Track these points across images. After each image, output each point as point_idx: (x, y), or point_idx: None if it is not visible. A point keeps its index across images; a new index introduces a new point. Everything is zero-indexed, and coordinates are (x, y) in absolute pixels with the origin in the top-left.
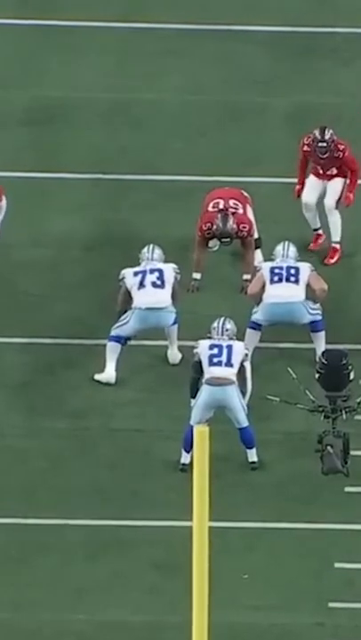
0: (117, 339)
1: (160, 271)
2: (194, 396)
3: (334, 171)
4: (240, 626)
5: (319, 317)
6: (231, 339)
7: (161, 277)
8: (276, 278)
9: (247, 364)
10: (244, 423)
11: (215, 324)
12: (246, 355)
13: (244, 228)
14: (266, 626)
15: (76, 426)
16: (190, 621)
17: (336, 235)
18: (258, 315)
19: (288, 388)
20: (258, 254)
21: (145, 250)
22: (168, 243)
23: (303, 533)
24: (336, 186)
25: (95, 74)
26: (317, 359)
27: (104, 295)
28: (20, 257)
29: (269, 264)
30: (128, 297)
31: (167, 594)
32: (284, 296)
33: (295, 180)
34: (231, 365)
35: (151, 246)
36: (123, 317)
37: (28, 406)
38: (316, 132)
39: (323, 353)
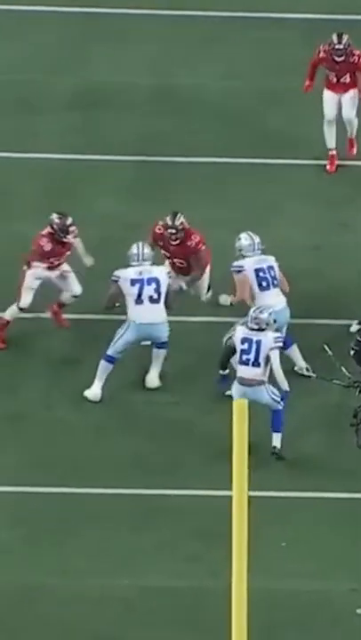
0: (112, 359)
1: (157, 282)
2: (224, 368)
3: (347, 79)
4: (277, 592)
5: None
6: (262, 330)
7: (158, 289)
8: (264, 284)
9: (272, 354)
10: (277, 407)
11: (251, 313)
12: (276, 344)
13: (195, 237)
14: (302, 592)
15: (120, 398)
16: (230, 587)
17: (353, 132)
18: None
19: (324, 364)
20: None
21: (135, 250)
22: (205, 223)
23: (340, 503)
24: (351, 97)
25: (139, 60)
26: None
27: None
28: None
29: (251, 264)
30: (119, 296)
31: (209, 561)
32: (276, 304)
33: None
34: (258, 365)
35: (140, 245)
36: (118, 332)
37: (74, 380)
38: (334, 37)
39: (359, 330)
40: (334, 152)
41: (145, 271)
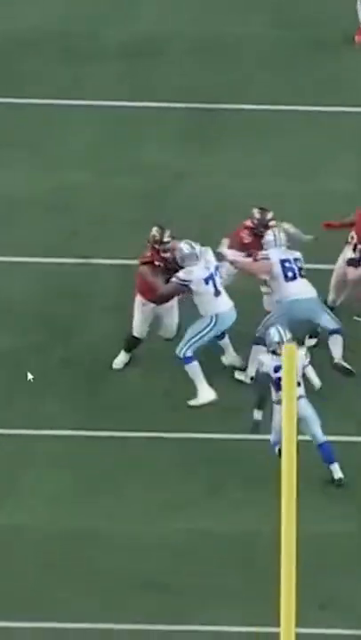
0: (193, 358)
1: (217, 268)
2: (261, 407)
3: None
4: (325, 536)
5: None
6: None
7: (219, 277)
8: (290, 274)
9: (309, 369)
10: (322, 439)
11: (277, 339)
12: (308, 360)
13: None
14: (348, 534)
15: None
16: (280, 531)
17: None
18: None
19: None
20: None
21: (189, 250)
22: (255, 170)
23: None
24: None
25: (186, 9)
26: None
27: (201, 215)
28: (117, 184)
29: (277, 255)
30: (178, 295)
31: (259, 505)
32: (305, 292)
33: None
34: (298, 384)
35: (191, 244)
36: (199, 329)
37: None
38: None
39: None
40: None
41: (208, 263)
